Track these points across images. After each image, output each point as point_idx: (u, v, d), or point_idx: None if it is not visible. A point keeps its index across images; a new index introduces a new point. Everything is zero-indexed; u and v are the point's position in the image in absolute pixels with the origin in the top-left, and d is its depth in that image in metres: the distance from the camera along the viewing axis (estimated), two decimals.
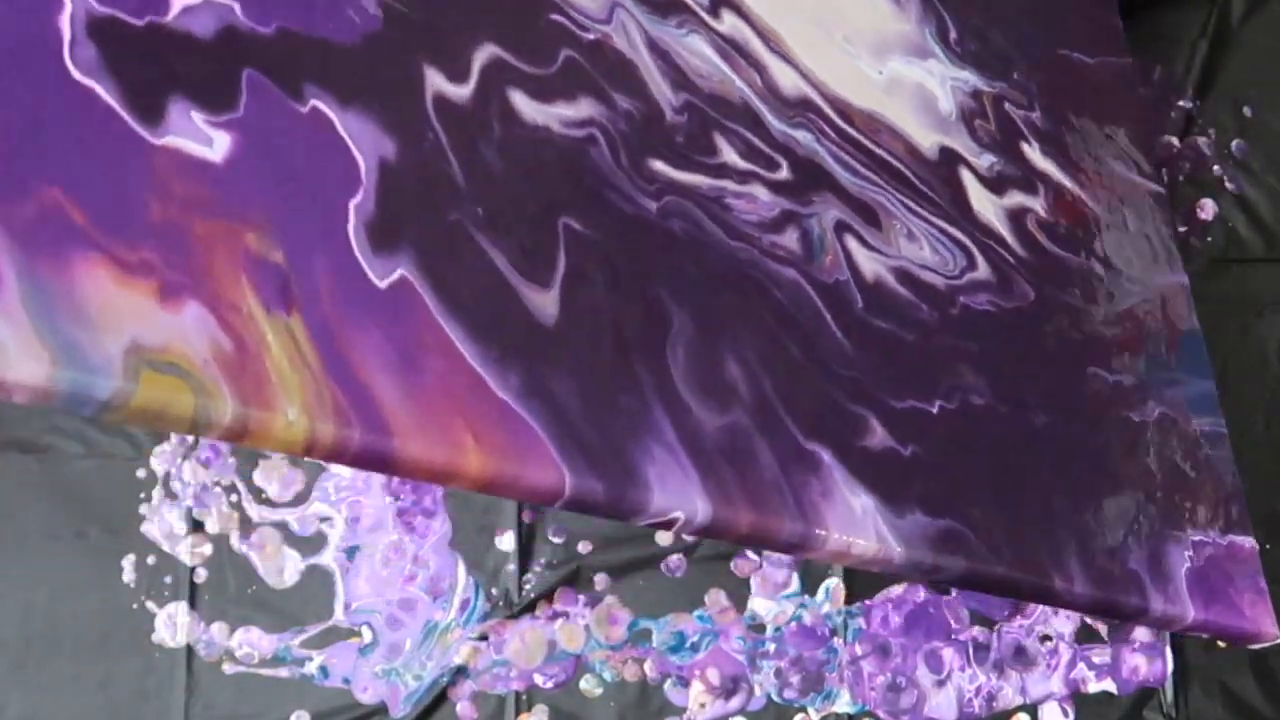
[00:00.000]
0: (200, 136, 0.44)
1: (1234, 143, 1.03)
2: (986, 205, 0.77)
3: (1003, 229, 0.77)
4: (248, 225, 0.44)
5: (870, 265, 0.69)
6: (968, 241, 0.75)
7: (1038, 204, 0.80)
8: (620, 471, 0.52)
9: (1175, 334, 0.84)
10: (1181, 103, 1.03)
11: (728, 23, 0.68)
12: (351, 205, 0.48)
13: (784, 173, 0.67)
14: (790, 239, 0.65)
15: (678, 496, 0.53)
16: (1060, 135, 0.83)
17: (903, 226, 0.72)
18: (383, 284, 0.48)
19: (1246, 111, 1.03)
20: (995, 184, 0.78)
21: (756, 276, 0.63)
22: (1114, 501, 0.73)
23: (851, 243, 0.69)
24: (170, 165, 0.43)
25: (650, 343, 0.56)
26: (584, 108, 0.59)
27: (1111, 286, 0.81)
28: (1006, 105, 0.82)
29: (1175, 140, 1.03)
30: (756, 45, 0.69)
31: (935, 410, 0.67)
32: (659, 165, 0.61)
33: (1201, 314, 1.00)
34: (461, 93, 0.55)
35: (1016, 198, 0.79)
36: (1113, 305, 0.81)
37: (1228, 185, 1.02)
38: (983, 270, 0.75)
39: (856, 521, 0.59)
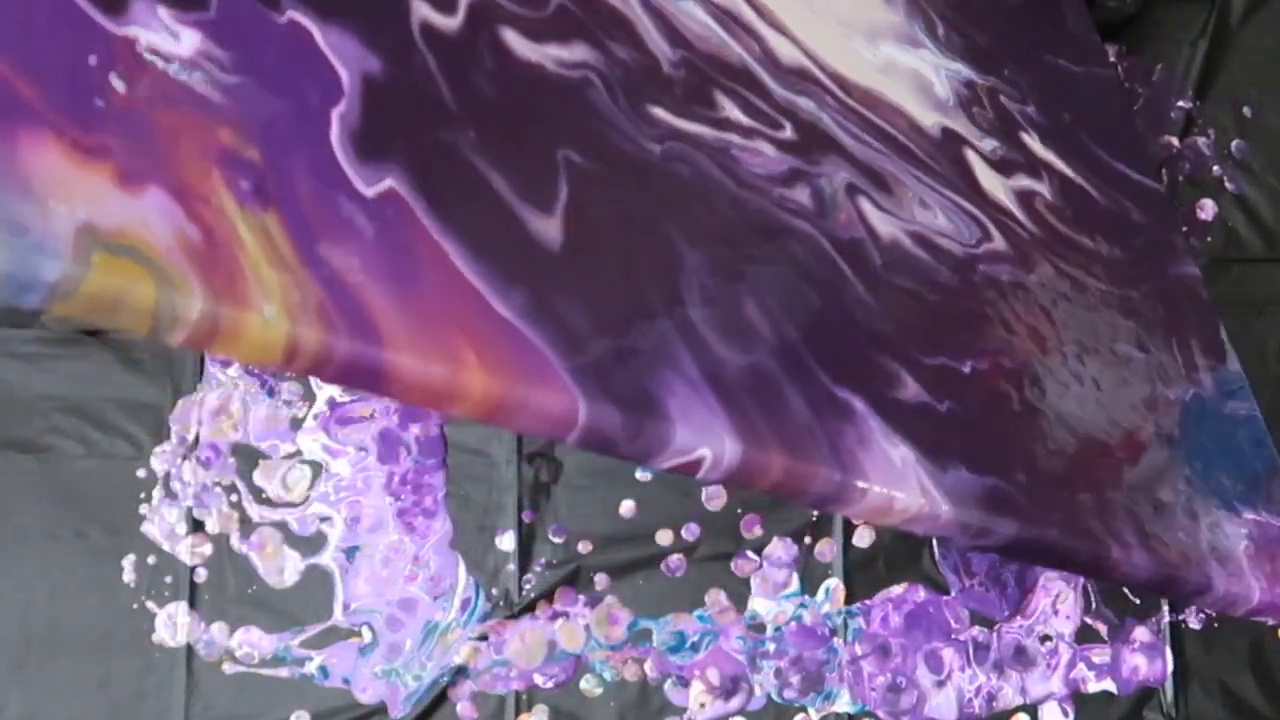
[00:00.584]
0: (166, 31, 0.42)
1: (1234, 143, 1.03)
2: (995, 184, 0.75)
3: (1014, 208, 0.75)
4: (218, 120, 0.41)
5: (885, 226, 0.65)
6: (981, 215, 0.72)
7: (1044, 189, 0.78)
8: (638, 400, 0.46)
9: (1196, 322, 0.82)
10: (1181, 103, 1.03)
11: None
12: (335, 113, 0.45)
13: (788, 133, 0.64)
14: (801, 194, 0.62)
15: (704, 433, 0.48)
16: (1057, 129, 0.83)
17: (914, 195, 0.69)
18: (369, 192, 0.44)
19: (1246, 111, 1.03)
20: (1001, 166, 0.76)
21: (770, 225, 0.59)
22: (1162, 473, 0.69)
23: (864, 203, 0.65)
24: (132, 55, 0.40)
25: (663, 277, 0.52)
26: (578, 51, 0.57)
27: (1130, 271, 0.79)
28: (1001, 97, 0.81)
29: (1175, 140, 1.03)
30: (751, 16, 0.67)
31: (967, 370, 0.62)
32: (660, 112, 0.58)
33: None
34: (449, 23, 0.52)
35: (1023, 181, 0.77)
36: (1133, 289, 0.79)
37: (1228, 185, 1.02)
38: (999, 243, 0.71)
39: (897, 473, 0.54)
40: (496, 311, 0.45)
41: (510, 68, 0.53)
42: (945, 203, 0.70)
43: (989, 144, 0.77)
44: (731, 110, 0.62)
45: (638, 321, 0.50)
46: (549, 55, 0.55)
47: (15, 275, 0.34)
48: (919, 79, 0.76)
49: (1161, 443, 0.71)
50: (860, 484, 0.52)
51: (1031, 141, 0.80)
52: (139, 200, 0.37)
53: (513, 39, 0.54)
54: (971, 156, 0.75)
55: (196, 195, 0.39)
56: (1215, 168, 1.02)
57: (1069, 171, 0.81)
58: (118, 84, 0.39)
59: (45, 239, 0.34)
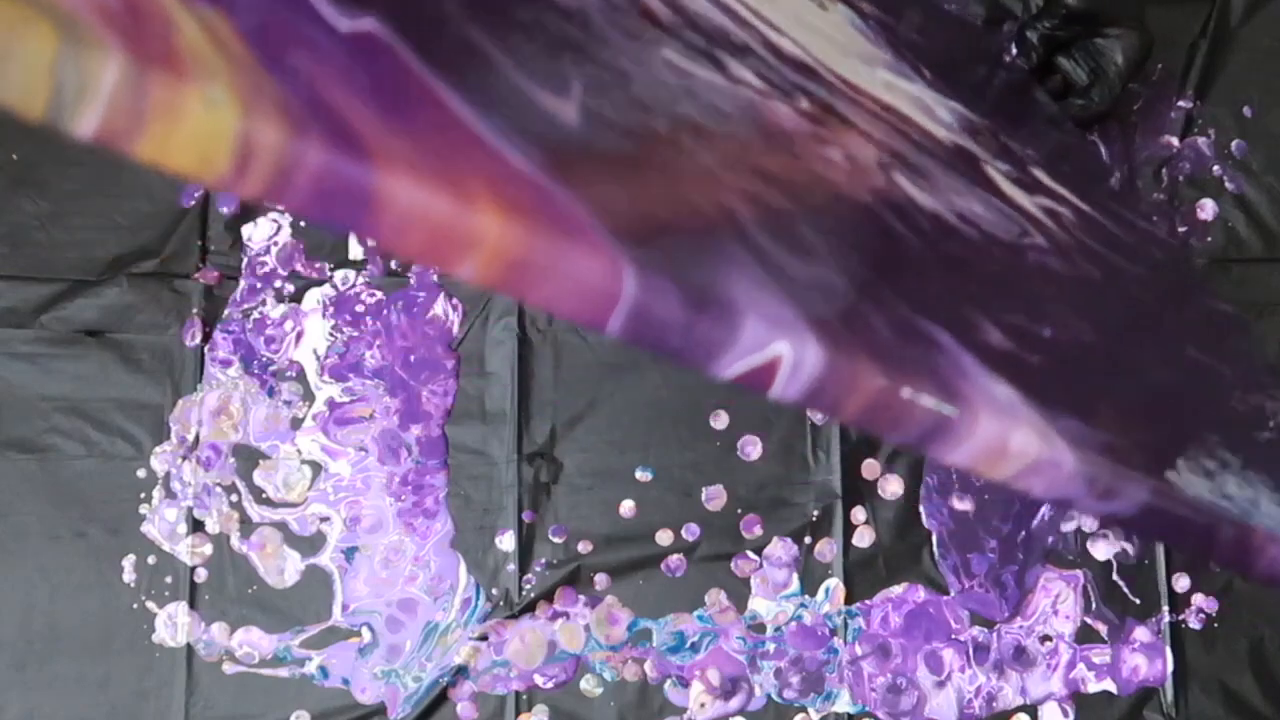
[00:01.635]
0: None
1: (1234, 143, 1.03)
2: (1021, 198, 0.70)
3: (1043, 218, 0.69)
4: None
5: (926, 200, 0.57)
6: (1016, 214, 0.66)
7: (1067, 211, 0.75)
8: (695, 276, 0.37)
9: (1233, 324, 0.80)
10: (1181, 103, 1.03)
11: None
12: None
13: (805, 104, 0.56)
14: (834, 153, 0.54)
15: (778, 326, 0.37)
16: (1061, 174, 0.81)
17: (946, 183, 0.61)
18: (345, 27, 0.35)
19: (1246, 111, 1.03)
20: (1022, 185, 0.73)
21: (806, 165, 0.51)
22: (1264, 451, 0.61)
23: (899, 176, 0.57)
24: None
25: (702, 179, 0.44)
26: None
27: (1164, 285, 0.78)
28: (1002, 136, 0.80)
29: (1175, 140, 1.03)
30: (749, 15, 0.63)
31: (1047, 335, 0.53)
32: (669, 54, 0.50)
33: None
34: None
35: (1046, 201, 0.74)
36: (1174, 301, 0.76)
37: (1228, 185, 1.02)
38: (1040, 240, 0.65)
39: (1006, 409, 0.43)
40: (511, 161, 0.35)
41: None
42: (979, 198, 0.64)
43: (1003, 166, 0.74)
44: (743, 72, 0.53)
45: (680, 210, 0.40)
46: None
47: None
48: (921, 101, 0.74)
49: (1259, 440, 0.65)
50: (968, 417, 0.42)
51: (1042, 176, 0.78)
52: None
53: None
54: (991, 171, 0.71)
55: None
56: (1215, 168, 1.02)
57: (1084, 206, 0.78)
58: None
59: None
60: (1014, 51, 0.94)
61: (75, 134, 0.27)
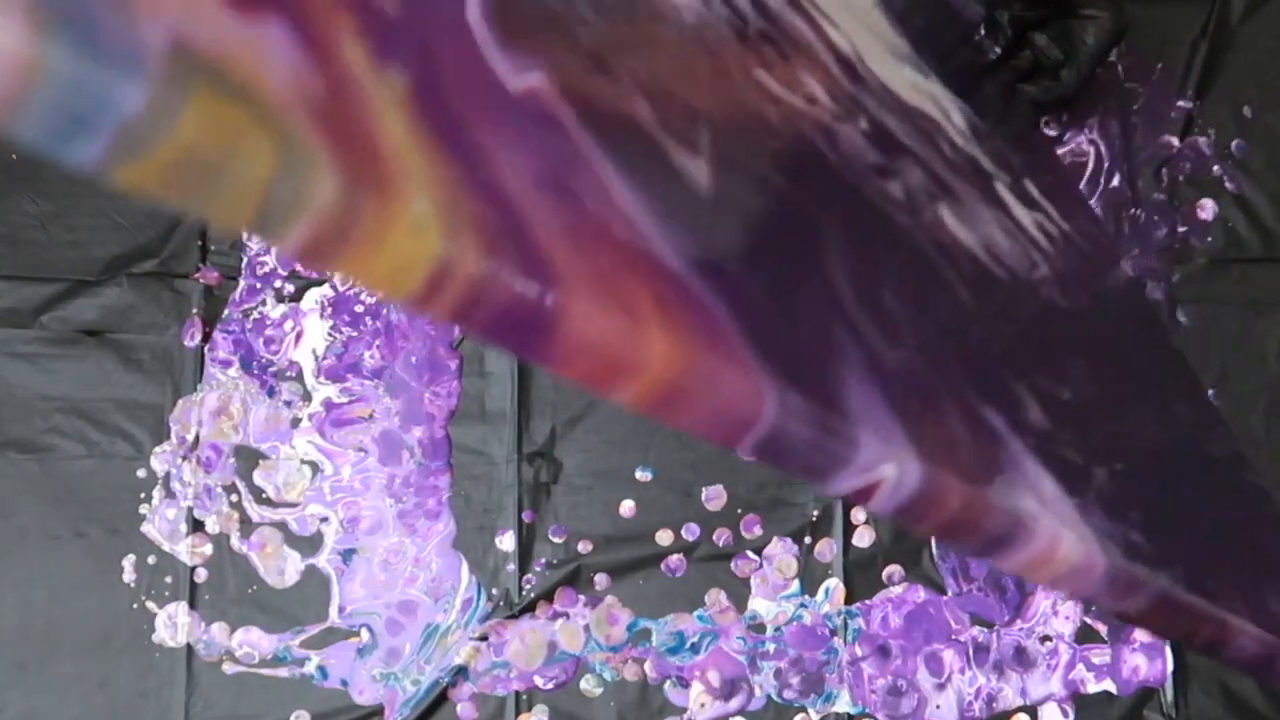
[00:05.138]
0: None
1: (1234, 143, 1.03)
2: (1024, 217, 0.70)
3: (1042, 240, 0.69)
4: None
5: (965, 235, 0.57)
6: (1025, 241, 0.66)
7: (1055, 230, 0.74)
8: (824, 388, 0.35)
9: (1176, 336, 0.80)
10: (1181, 103, 1.03)
11: None
12: None
13: (864, 124, 0.57)
14: (895, 187, 0.54)
15: (887, 442, 0.36)
16: (1043, 186, 0.80)
17: (975, 208, 0.61)
18: (516, 84, 0.34)
19: (1246, 111, 1.03)
20: (1022, 201, 0.72)
21: (879, 210, 0.50)
22: (1251, 523, 0.61)
23: (943, 210, 0.57)
24: None
25: (809, 242, 0.42)
26: None
27: (1128, 314, 0.77)
28: (999, 140, 0.79)
29: (1175, 140, 1.03)
30: (809, 5, 0.63)
31: (1067, 398, 0.53)
32: (764, 75, 0.50)
33: (1201, 314, 1.00)
34: None
35: (1039, 218, 0.73)
36: (1139, 336, 0.75)
37: (1228, 185, 1.02)
38: (1046, 269, 0.65)
39: (1056, 511, 0.42)
40: (663, 260, 0.33)
41: None
42: (999, 223, 0.64)
43: (1005, 177, 0.74)
44: (817, 90, 0.53)
45: (804, 293, 0.39)
46: None
47: (75, 96, 0.21)
48: (940, 104, 0.73)
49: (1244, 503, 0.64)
50: (1030, 524, 0.40)
51: (1030, 188, 0.77)
52: (252, 26, 0.26)
53: None
54: (1000, 188, 0.71)
55: (320, 36, 0.27)
56: (1215, 168, 1.02)
57: (1064, 224, 0.77)
58: None
59: (126, 45, 0.22)
60: (982, 32, 0.92)
61: (275, 247, 0.25)
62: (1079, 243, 0.77)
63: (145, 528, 0.96)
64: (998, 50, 0.92)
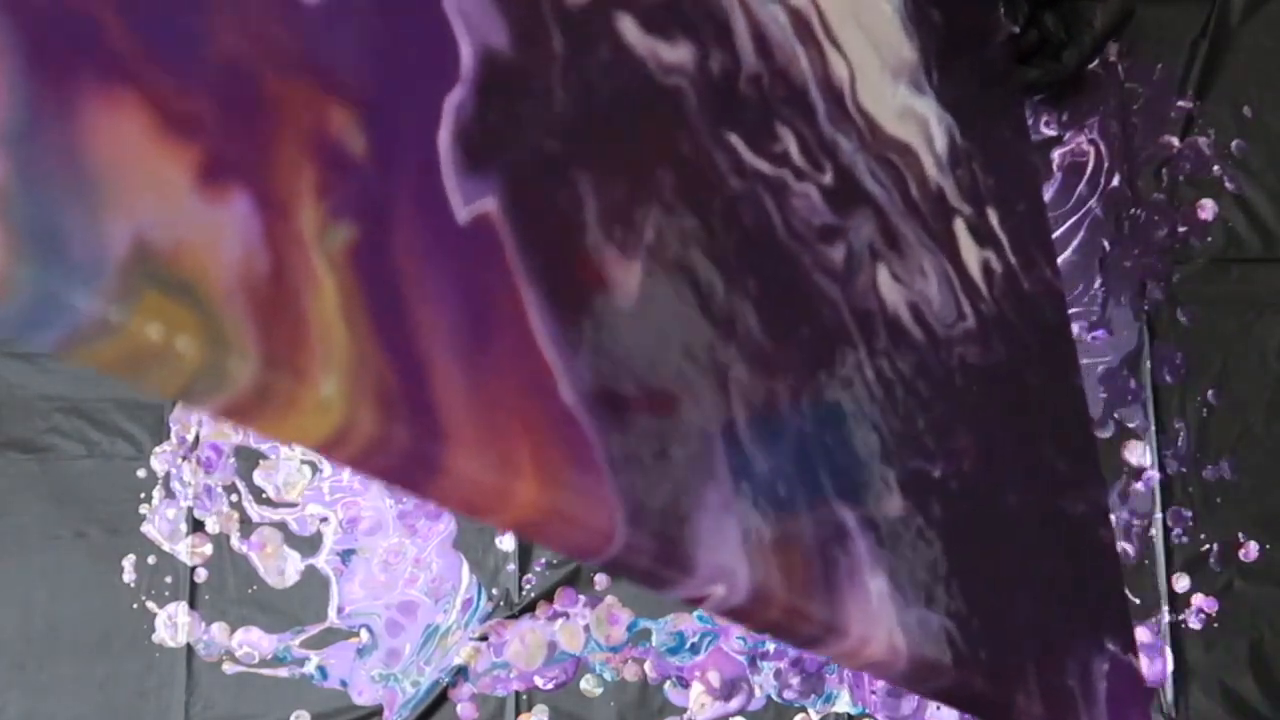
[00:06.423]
0: None
1: (1234, 143, 1.03)
2: (971, 254, 0.72)
3: (981, 283, 0.72)
4: (334, 94, 0.32)
5: (893, 296, 0.60)
6: (960, 288, 0.68)
7: (999, 267, 0.75)
8: (673, 523, 0.39)
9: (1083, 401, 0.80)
10: (1181, 103, 1.03)
11: None
12: (449, 103, 0.36)
13: (829, 179, 0.59)
14: (836, 252, 0.56)
15: (722, 566, 0.41)
16: (1009, 212, 0.80)
17: (918, 260, 0.64)
18: (464, 215, 0.36)
19: (1246, 111, 1.03)
20: (976, 236, 0.74)
21: (806, 289, 0.54)
22: (1061, 599, 0.64)
23: (881, 270, 0.60)
24: None
25: (716, 351, 0.45)
26: (680, 52, 0.49)
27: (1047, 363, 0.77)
28: (974, 164, 0.79)
29: (1175, 140, 1.03)
30: (818, 26, 0.63)
31: (937, 474, 0.57)
32: (735, 140, 0.51)
33: (1201, 314, 1.00)
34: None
35: (988, 254, 0.74)
36: (1051, 388, 0.76)
37: (1228, 185, 1.02)
38: (970, 321, 0.68)
39: (874, 615, 0.47)
40: (559, 396, 0.37)
41: (621, 60, 0.46)
42: (939, 271, 0.66)
43: (967, 209, 0.74)
44: (790, 145, 0.56)
45: (689, 411, 0.42)
46: (654, 53, 0.48)
47: (37, 307, 0.24)
48: (926, 126, 0.74)
49: (1070, 567, 0.68)
50: (843, 629, 0.46)
51: (993, 218, 0.77)
52: (216, 209, 0.28)
53: (628, 27, 0.46)
54: (958, 225, 0.72)
55: (280, 205, 0.30)
56: (1215, 168, 1.02)
57: (1011, 258, 0.77)
58: (225, 26, 0.30)
59: (88, 258, 0.25)
60: (1001, 12, 0.94)
61: (194, 411, 0.28)
62: (1020, 279, 0.77)
63: (145, 528, 0.96)
64: (1015, 29, 0.93)
